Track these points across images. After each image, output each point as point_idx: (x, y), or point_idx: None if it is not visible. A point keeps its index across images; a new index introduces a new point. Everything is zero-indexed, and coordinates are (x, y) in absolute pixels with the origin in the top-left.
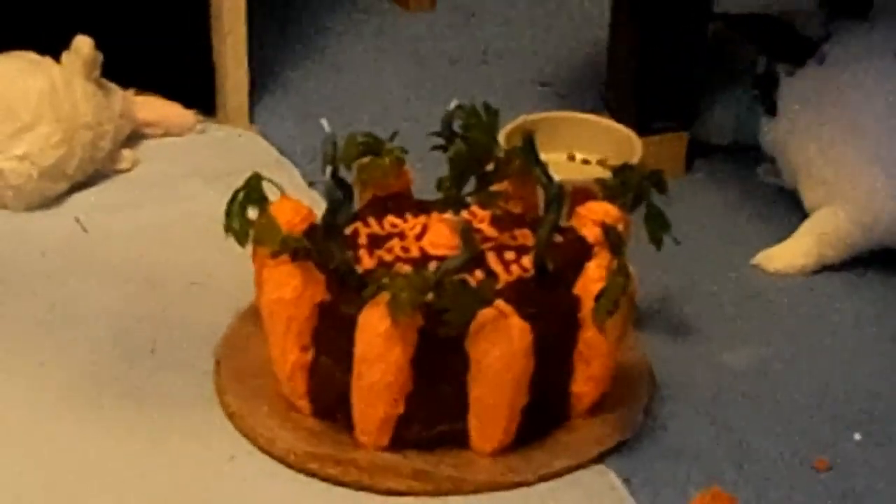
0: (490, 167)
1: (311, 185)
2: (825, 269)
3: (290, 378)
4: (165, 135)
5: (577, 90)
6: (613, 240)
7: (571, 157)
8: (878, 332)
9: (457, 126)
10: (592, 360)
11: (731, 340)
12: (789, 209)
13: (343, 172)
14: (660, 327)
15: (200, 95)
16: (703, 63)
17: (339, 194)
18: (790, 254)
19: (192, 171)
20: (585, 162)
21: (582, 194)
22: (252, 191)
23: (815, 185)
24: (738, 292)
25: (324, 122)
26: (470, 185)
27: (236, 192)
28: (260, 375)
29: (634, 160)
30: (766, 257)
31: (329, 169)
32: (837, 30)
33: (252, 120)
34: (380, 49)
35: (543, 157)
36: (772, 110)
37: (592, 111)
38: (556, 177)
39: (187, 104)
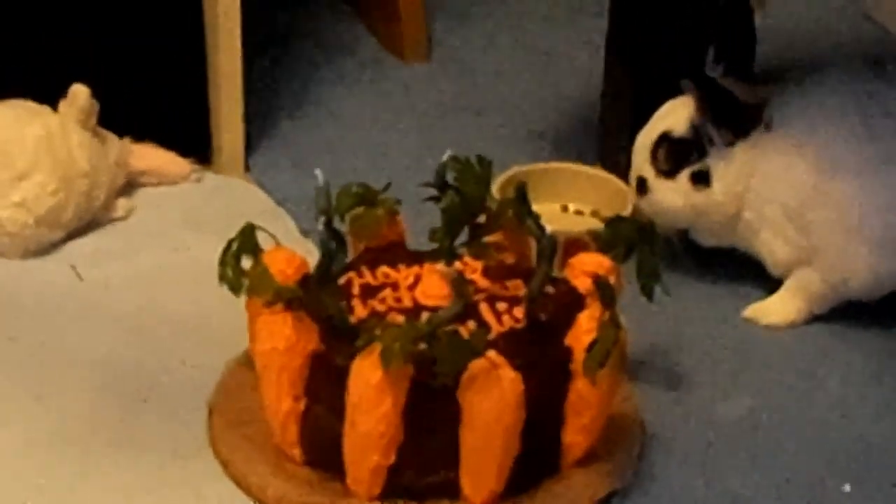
0: (482, 218)
1: (305, 234)
2: (816, 320)
3: (283, 427)
4: (161, 183)
5: (572, 141)
6: (604, 291)
7: (564, 208)
8: (868, 384)
9: (450, 177)
10: (584, 411)
11: (722, 391)
12: None
13: (337, 223)
14: (651, 378)
15: (196, 144)
16: None
17: (332, 245)
18: (779, 309)
19: (188, 219)
20: (578, 213)
21: (574, 245)
22: (246, 240)
23: (783, 247)
24: (729, 343)
25: (318, 172)
26: (463, 236)
27: (230, 242)
28: (253, 423)
29: (626, 212)
30: (757, 311)
31: (322, 220)
32: (774, 94)
33: (247, 169)
34: (375, 99)
35: (536, 207)
36: (704, 179)
37: (586, 162)
38: (549, 228)
39: (183, 153)
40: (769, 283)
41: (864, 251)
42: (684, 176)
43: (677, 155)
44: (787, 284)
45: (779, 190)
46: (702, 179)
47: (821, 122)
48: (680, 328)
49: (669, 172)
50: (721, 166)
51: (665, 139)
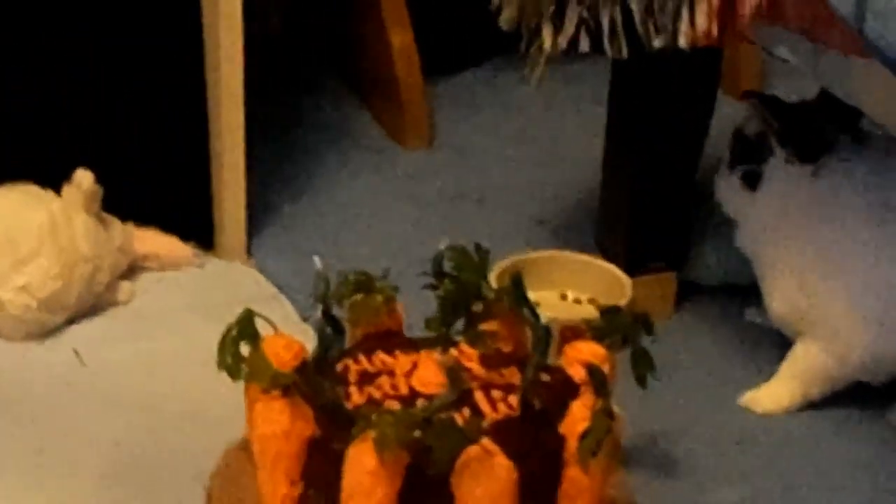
0: (479, 307)
1: (305, 319)
2: (812, 407)
3: None
4: (163, 268)
5: (573, 229)
6: (598, 380)
7: (563, 296)
8: (862, 472)
9: (448, 265)
10: (577, 499)
11: (715, 479)
12: (776, 349)
13: (336, 309)
14: (647, 466)
15: (199, 230)
16: (694, 205)
17: (329, 332)
18: (775, 395)
19: (189, 304)
20: (577, 301)
21: (571, 333)
22: (244, 327)
23: (781, 299)
24: (725, 431)
25: (316, 259)
26: (461, 324)
27: (229, 328)
28: None
29: (624, 301)
30: (752, 399)
31: (320, 306)
32: (841, 145)
33: (249, 254)
34: (377, 186)
35: (535, 295)
36: (752, 183)
37: (586, 249)
38: (545, 316)
39: (185, 238)
40: (767, 373)
41: (864, 326)
42: (738, 173)
43: (740, 151)
44: (783, 368)
45: (798, 244)
46: (751, 182)
47: (848, 193)
48: (676, 415)
49: (730, 164)
50: (772, 180)
51: (737, 133)
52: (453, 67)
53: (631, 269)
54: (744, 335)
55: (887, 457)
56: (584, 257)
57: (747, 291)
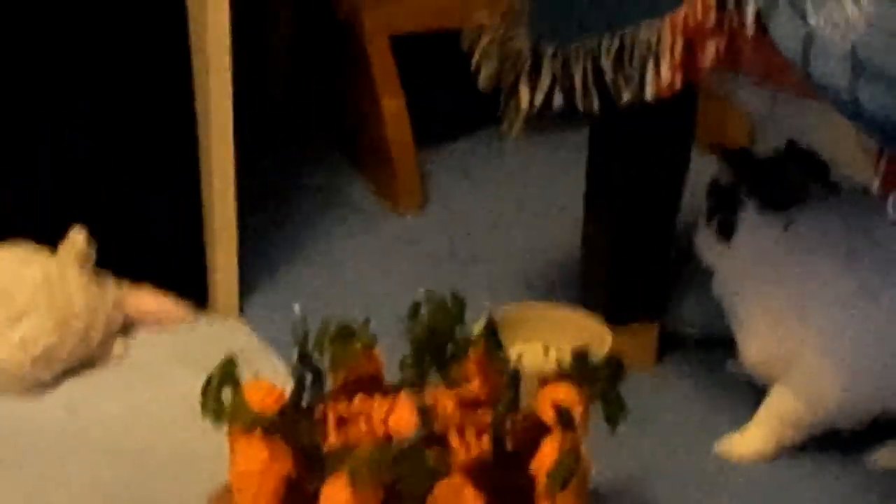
0: (451, 350)
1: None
2: (788, 455)
3: None
4: (157, 325)
5: (558, 287)
6: (564, 418)
7: (547, 349)
8: None
9: (423, 312)
10: None
11: None
12: (756, 399)
13: (318, 357)
14: None
15: (192, 289)
16: (675, 256)
17: (306, 375)
18: (751, 441)
19: (181, 359)
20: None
21: (551, 381)
22: (226, 373)
23: (760, 351)
24: (699, 477)
25: (296, 307)
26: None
27: (211, 375)
28: None
29: (603, 351)
30: (728, 445)
31: (296, 351)
32: (812, 194)
33: (241, 313)
34: (369, 247)
35: (519, 348)
36: (726, 232)
37: (571, 306)
38: (524, 364)
39: (179, 297)
40: (745, 419)
41: (837, 373)
42: (714, 222)
43: (716, 202)
44: (759, 414)
45: (770, 293)
46: (726, 232)
47: (819, 242)
48: (649, 460)
49: (707, 215)
50: (745, 231)
51: (712, 184)
52: (444, 136)
53: (611, 321)
54: (724, 386)
55: (860, 502)
56: (567, 311)
57: (729, 343)
